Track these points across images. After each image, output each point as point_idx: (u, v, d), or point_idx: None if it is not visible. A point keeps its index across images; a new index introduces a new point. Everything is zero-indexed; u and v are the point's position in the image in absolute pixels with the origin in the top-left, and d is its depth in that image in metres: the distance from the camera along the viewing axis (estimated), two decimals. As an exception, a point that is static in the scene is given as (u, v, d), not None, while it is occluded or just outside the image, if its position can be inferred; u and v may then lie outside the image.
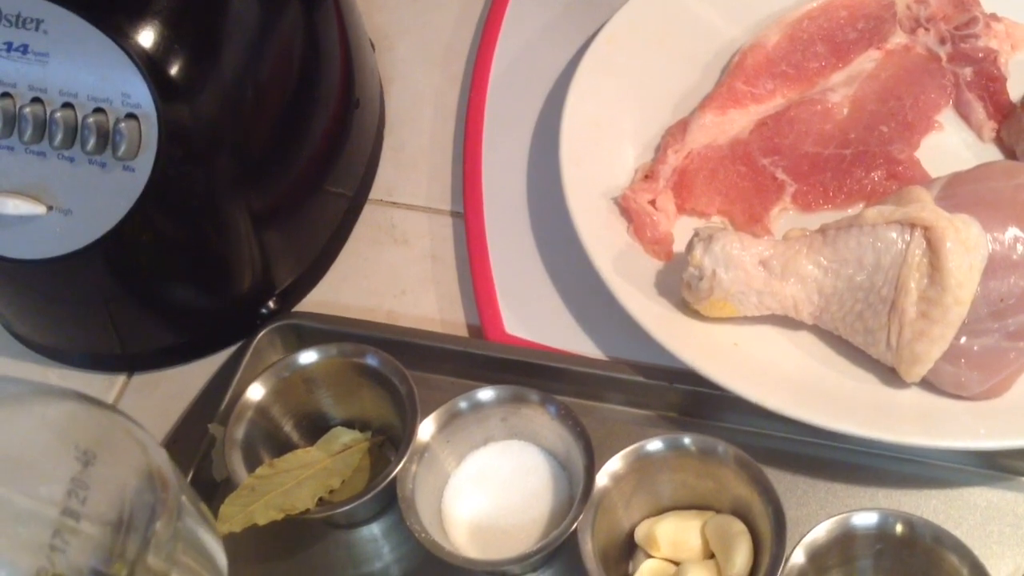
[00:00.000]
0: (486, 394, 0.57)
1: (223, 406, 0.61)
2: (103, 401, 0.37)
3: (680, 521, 0.55)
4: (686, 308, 0.61)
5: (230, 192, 0.62)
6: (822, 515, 0.53)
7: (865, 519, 0.52)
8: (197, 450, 0.60)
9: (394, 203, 0.74)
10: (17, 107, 0.57)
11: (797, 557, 0.51)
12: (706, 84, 0.73)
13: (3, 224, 0.59)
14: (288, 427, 0.60)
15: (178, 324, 0.66)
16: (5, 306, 0.68)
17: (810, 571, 0.51)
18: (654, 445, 0.55)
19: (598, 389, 0.62)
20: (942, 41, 0.72)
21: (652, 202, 0.66)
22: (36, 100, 0.57)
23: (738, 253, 0.58)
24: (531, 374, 0.62)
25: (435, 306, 0.69)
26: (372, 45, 0.78)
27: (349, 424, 0.61)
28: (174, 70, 0.57)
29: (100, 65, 0.56)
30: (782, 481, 0.58)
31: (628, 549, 0.56)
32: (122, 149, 0.57)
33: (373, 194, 0.74)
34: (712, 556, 0.55)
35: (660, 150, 0.69)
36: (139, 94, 0.56)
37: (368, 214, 0.73)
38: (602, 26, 0.74)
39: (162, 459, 0.36)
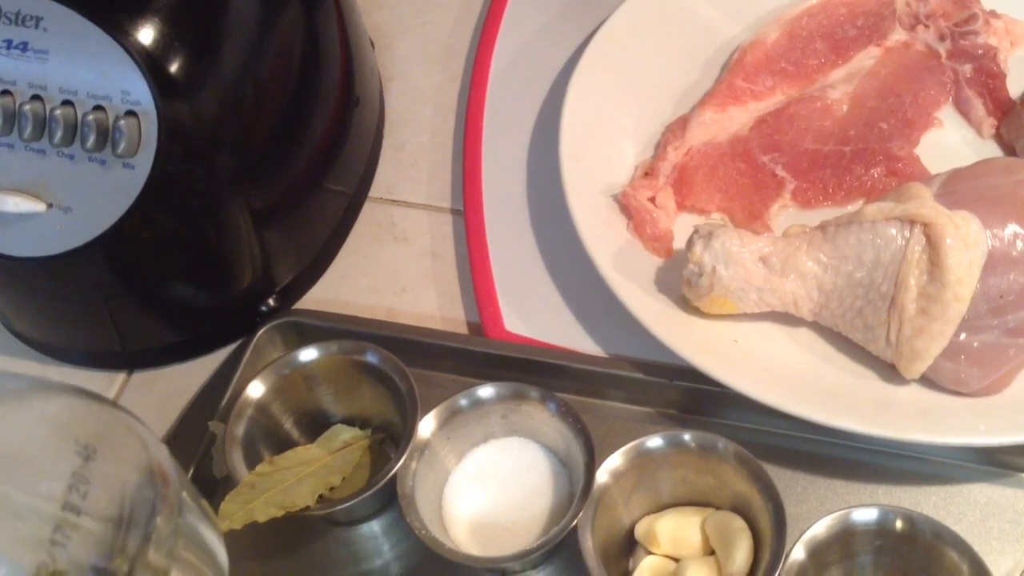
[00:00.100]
0: (486, 391, 0.57)
1: (223, 403, 0.61)
2: (103, 396, 0.37)
3: (680, 518, 0.55)
4: (686, 305, 0.61)
5: (230, 190, 0.62)
6: (822, 511, 0.53)
7: (865, 515, 0.52)
8: (197, 448, 0.60)
9: (394, 201, 0.74)
10: (17, 105, 0.57)
11: (797, 553, 0.51)
12: (706, 81, 0.73)
13: (3, 222, 0.59)
14: (288, 424, 0.60)
15: (178, 322, 0.66)
16: (5, 304, 0.68)
17: (810, 567, 0.51)
18: (654, 442, 0.55)
19: (598, 386, 0.62)
20: (941, 38, 0.72)
21: (652, 199, 0.66)
22: (36, 98, 0.57)
23: (738, 250, 0.58)
24: (531, 371, 0.62)
25: (435, 303, 0.69)
26: (372, 43, 0.78)
27: (349, 421, 0.61)
28: (174, 67, 0.57)
29: (100, 62, 0.56)
30: (782, 477, 0.58)
31: (628, 546, 0.56)
32: (122, 146, 0.57)
33: (373, 192, 0.74)
34: (712, 552, 0.55)
35: (660, 147, 0.69)
36: (139, 91, 0.56)
37: (368, 212, 0.73)
38: (601, 23, 0.74)
39: (163, 454, 0.36)
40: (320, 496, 0.56)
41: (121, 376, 0.67)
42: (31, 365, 0.68)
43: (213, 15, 0.59)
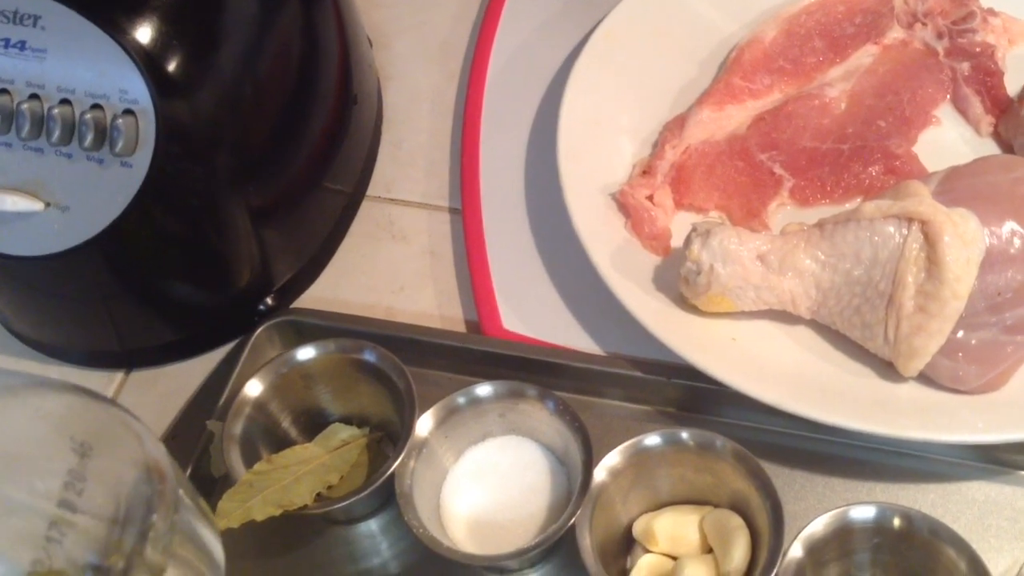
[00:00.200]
0: (484, 390, 0.57)
1: (221, 402, 0.61)
2: (100, 394, 0.37)
3: (678, 516, 0.55)
4: (684, 303, 0.61)
5: (228, 188, 0.62)
6: (820, 509, 0.53)
7: (863, 513, 0.52)
8: (195, 446, 0.60)
9: (392, 199, 0.74)
10: (15, 103, 0.57)
11: (795, 551, 0.51)
12: (704, 80, 0.73)
13: (1, 221, 0.59)
14: (286, 423, 0.60)
15: (176, 320, 0.66)
16: (3, 303, 0.68)
17: (808, 565, 0.51)
18: (652, 440, 0.55)
19: (596, 384, 0.62)
20: (939, 36, 0.72)
21: (650, 197, 0.66)
22: (34, 96, 0.57)
23: (736, 248, 0.58)
24: (529, 370, 0.62)
25: (433, 302, 0.69)
26: (370, 42, 0.78)
27: (347, 420, 0.61)
28: (171, 66, 0.57)
29: (98, 61, 0.56)
30: (780, 475, 0.58)
31: (626, 544, 0.56)
32: (119, 145, 0.57)
33: (371, 190, 0.74)
34: (710, 550, 0.55)
35: (658, 146, 0.69)
36: (136, 90, 0.56)
37: (366, 210, 0.73)
38: (599, 22, 0.74)
39: (159, 452, 0.36)
40: (318, 495, 0.56)
41: (119, 375, 0.67)
42: (30, 364, 0.68)
43: (211, 14, 0.59)
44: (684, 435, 0.55)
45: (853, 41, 0.72)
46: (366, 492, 0.55)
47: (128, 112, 0.57)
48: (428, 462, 0.57)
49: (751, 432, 0.60)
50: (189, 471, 0.59)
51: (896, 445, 0.58)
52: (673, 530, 0.55)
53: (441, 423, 0.57)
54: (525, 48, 0.79)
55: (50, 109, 0.57)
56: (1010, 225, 0.57)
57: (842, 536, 0.52)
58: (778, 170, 0.67)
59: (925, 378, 0.58)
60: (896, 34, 0.72)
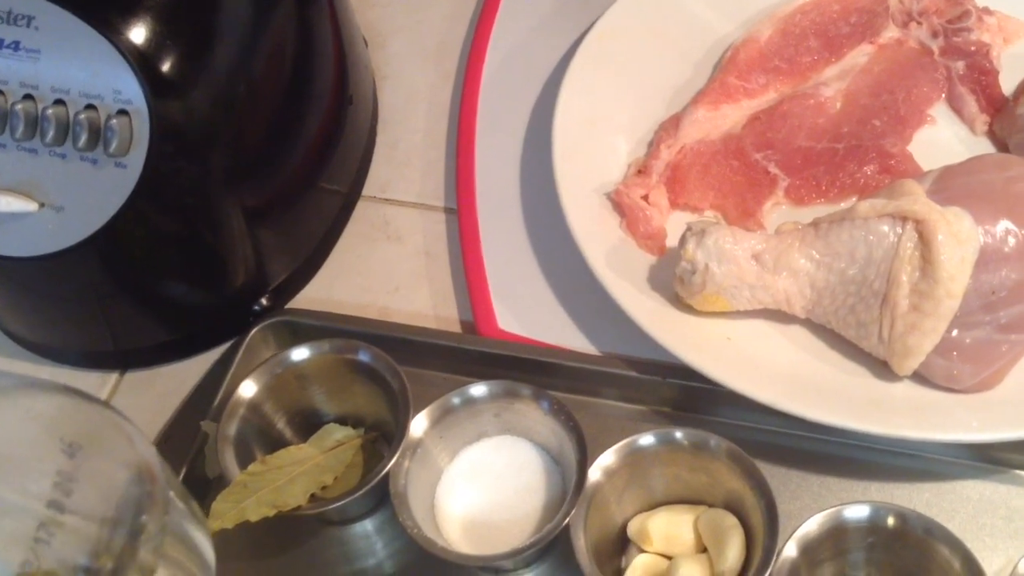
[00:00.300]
0: (479, 390, 0.57)
1: (216, 403, 0.61)
2: (90, 395, 0.37)
3: (673, 515, 0.55)
4: (679, 303, 0.61)
5: (222, 189, 0.62)
6: (815, 508, 0.53)
7: (857, 512, 0.52)
8: (190, 447, 0.60)
9: (387, 200, 0.74)
10: (9, 104, 0.57)
11: (789, 550, 0.51)
12: (699, 79, 0.73)
13: (-5, 221, 0.59)
14: (281, 424, 0.60)
15: (171, 321, 0.66)
16: (-2, 304, 0.68)
17: (802, 564, 0.51)
18: (646, 439, 0.55)
19: (591, 384, 0.62)
20: (935, 35, 0.72)
21: (645, 197, 0.66)
22: (28, 97, 0.57)
23: (731, 247, 0.58)
24: (524, 369, 0.62)
25: (428, 302, 0.69)
26: (365, 42, 0.78)
27: (342, 420, 0.61)
28: (165, 66, 0.57)
29: (91, 61, 0.56)
30: (775, 475, 0.58)
31: (621, 544, 0.56)
32: (113, 145, 0.57)
33: (366, 191, 0.74)
34: (705, 550, 0.55)
35: (653, 145, 0.69)
36: (130, 90, 0.56)
37: (361, 211, 0.73)
38: (595, 22, 0.74)
39: (150, 453, 0.36)
40: (312, 495, 0.56)
41: (114, 376, 0.67)
42: (24, 365, 0.68)
43: (205, 14, 0.59)
44: (678, 434, 0.55)
45: (848, 40, 0.72)
46: (360, 492, 0.55)
47: (122, 112, 0.57)
48: (423, 462, 0.57)
49: (746, 431, 0.60)
50: (184, 472, 0.59)
51: (891, 444, 0.58)
52: (668, 530, 0.55)
53: (436, 423, 0.57)
54: (521, 48, 0.79)
55: (44, 109, 0.57)
56: (1004, 224, 0.57)
57: (836, 535, 0.52)
58: (773, 169, 0.67)
59: (920, 377, 0.58)
60: (891, 33, 0.72)
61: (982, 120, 0.69)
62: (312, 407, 0.61)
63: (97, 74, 0.56)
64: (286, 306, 0.68)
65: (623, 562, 0.56)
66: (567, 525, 0.53)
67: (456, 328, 0.67)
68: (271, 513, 0.54)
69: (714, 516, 0.55)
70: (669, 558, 0.55)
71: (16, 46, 0.57)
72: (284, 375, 0.59)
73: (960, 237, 0.55)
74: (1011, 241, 0.57)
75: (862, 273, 0.57)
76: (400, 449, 0.55)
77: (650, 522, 0.55)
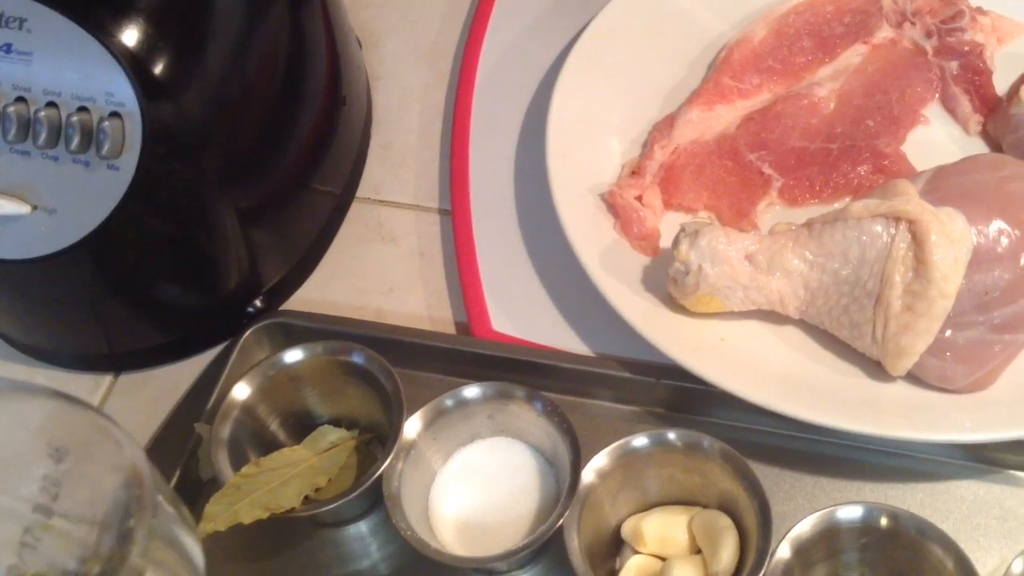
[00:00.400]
0: (472, 391, 0.57)
1: (210, 405, 0.61)
2: (79, 399, 0.37)
3: (667, 516, 0.55)
4: (673, 303, 0.61)
5: (215, 191, 0.62)
6: (809, 509, 0.53)
7: (849, 513, 0.52)
8: (184, 449, 0.60)
9: (381, 201, 0.74)
10: (1, 106, 0.57)
11: (783, 551, 0.51)
12: (693, 79, 0.73)
13: (-12, 224, 0.59)
14: (274, 426, 0.60)
15: (165, 323, 0.66)
16: (-9, 307, 0.67)
17: (796, 565, 0.51)
18: (640, 441, 0.55)
19: (585, 385, 0.62)
20: (928, 35, 0.72)
21: (639, 198, 0.66)
22: (20, 99, 0.57)
23: (724, 248, 0.58)
24: (518, 371, 0.62)
25: (423, 303, 0.69)
26: (359, 42, 0.78)
27: (336, 422, 0.61)
28: (158, 68, 0.57)
29: (83, 64, 0.56)
30: (769, 475, 0.58)
31: (615, 545, 0.56)
32: (106, 148, 0.57)
33: (360, 192, 0.74)
34: (699, 551, 0.55)
35: (647, 146, 0.69)
36: (123, 93, 0.56)
37: (355, 212, 0.73)
38: (589, 22, 0.74)
39: (138, 457, 0.36)
40: (306, 497, 0.56)
41: (108, 378, 0.67)
42: (18, 368, 0.68)
43: (197, 15, 0.59)
44: (671, 436, 0.55)
45: (842, 40, 0.72)
46: (354, 495, 0.55)
47: (114, 115, 0.56)
48: (416, 464, 0.56)
49: (741, 432, 0.60)
50: (177, 474, 0.59)
51: (884, 444, 0.58)
52: (661, 531, 0.55)
53: (429, 425, 0.57)
54: (515, 48, 0.79)
55: (36, 112, 0.57)
56: (997, 224, 0.57)
57: (829, 536, 0.52)
58: (767, 170, 0.67)
59: (913, 377, 0.58)
60: (885, 33, 0.72)
61: (976, 120, 0.69)
62: (306, 409, 0.61)
63: (89, 76, 0.56)
64: (280, 308, 0.68)
65: (617, 563, 0.56)
66: (561, 527, 0.53)
67: (450, 329, 0.67)
68: (264, 515, 0.54)
69: (708, 517, 0.55)
70: (663, 559, 0.55)
71: (8, 48, 0.57)
72: (278, 377, 0.59)
73: (953, 237, 0.55)
74: (1004, 241, 0.57)
75: (855, 273, 0.57)
76: (394, 451, 0.55)
77: (644, 523, 0.55)
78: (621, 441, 0.55)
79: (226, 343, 0.65)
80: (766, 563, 0.51)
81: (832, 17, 0.73)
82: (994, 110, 0.69)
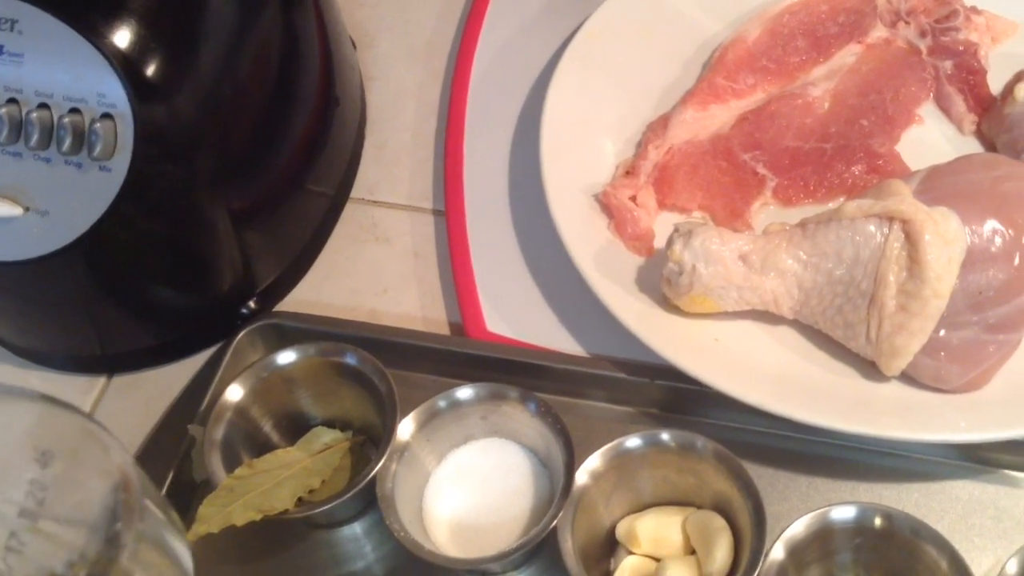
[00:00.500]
0: (465, 392, 0.57)
1: (203, 406, 0.61)
2: (67, 403, 0.37)
3: (661, 517, 0.55)
4: (667, 304, 0.61)
5: (208, 192, 0.62)
6: (803, 509, 0.53)
7: (843, 513, 0.52)
8: (177, 451, 0.60)
9: (376, 201, 0.74)
10: (-7, 108, 0.57)
11: (777, 552, 0.51)
12: (687, 79, 0.73)
13: (-20, 226, 0.58)
14: (268, 427, 0.60)
15: (158, 325, 0.66)
16: (-16, 308, 0.67)
17: (790, 566, 0.51)
18: (633, 442, 0.55)
19: (579, 386, 0.62)
20: (922, 34, 0.72)
21: (633, 198, 0.66)
22: (11, 101, 0.57)
23: (717, 248, 0.58)
24: (512, 371, 0.62)
25: (417, 304, 0.68)
26: (353, 42, 0.78)
27: (330, 424, 0.61)
28: (150, 70, 0.57)
29: (75, 65, 0.56)
30: (763, 476, 0.58)
31: (609, 546, 0.56)
32: (98, 149, 0.56)
33: (355, 192, 0.74)
34: (693, 552, 0.55)
35: (641, 146, 0.69)
36: (114, 94, 0.56)
37: (349, 212, 0.73)
38: (583, 22, 0.74)
39: (126, 461, 0.36)
40: (300, 499, 0.56)
41: (101, 380, 0.67)
42: (10, 370, 0.68)
43: (190, 16, 0.59)
44: (665, 436, 0.55)
45: (836, 40, 0.72)
46: (347, 496, 0.55)
47: (106, 116, 0.56)
48: (410, 465, 0.56)
49: (735, 433, 0.60)
50: (171, 476, 0.59)
51: (879, 445, 0.58)
52: (656, 532, 0.55)
53: (422, 426, 0.57)
54: (509, 48, 0.78)
55: (28, 113, 0.57)
56: (991, 224, 0.57)
57: (823, 537, 0.52)
58: (761, 170, 0.67)
59: (907, 377, 0.58)
60: (879, 33, 0.72)
61: (970, 120, 0.69)
62: (299, 410, 0.61)
63: (81, 78, 0.56)
64: (274, 309, 0.68)
65: (611, 564, 0.56)
66: (554, 528, 0.52)
67: (444, 330, 0.67)
68: (257, 517, 0.54)
69: (702, 518, 0.55)
70: (657, 560, 0.55)
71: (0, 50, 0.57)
72: (271, 379, 0.59)
73: (947, 237, 0.55)
74: (998, 241, 0.56)
75: (849, 273, 0.57)
76: (387, 452, 0.55)
77: (638, 524, 0.55)
78: (615, 442, 0.55)
79: (219, 344, 0.65)
80: (760, 564, 0.51)
81: (826, 17, 0.73)
82: (988, 109, 0.69)
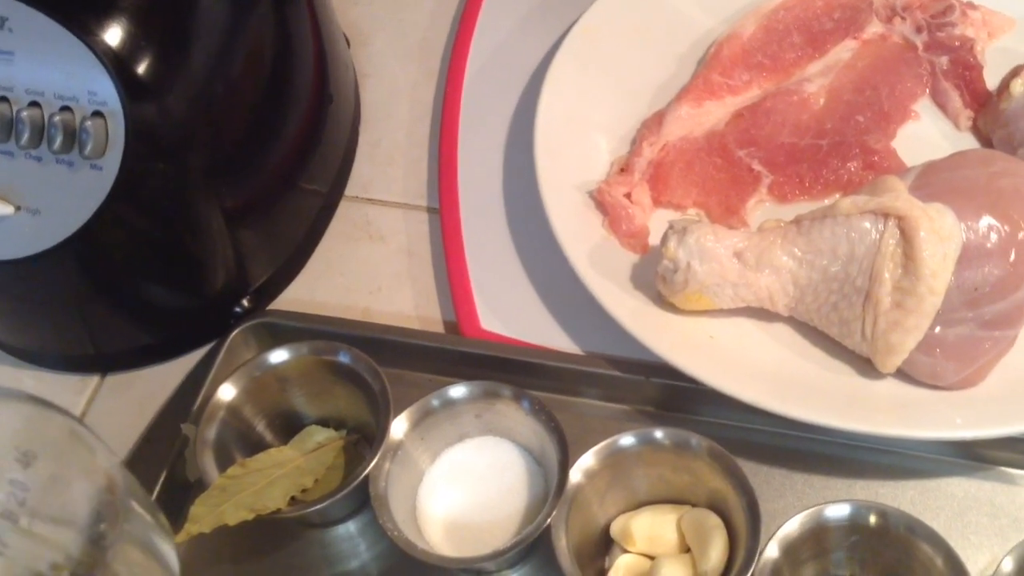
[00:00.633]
0: (459, 391, 0.57)
1: (196, 405, 0.60)
2: (54, 404, 0.37)
3: (656, 515, 0.55)
4: (662, 301, 0.61)
5: (201, 190, 0.61)
6: (799, 507, 0.52)
7: (838, 511, 0.51)
8: (171, 450, 0.59)
9: (370, 199, 0.73)
10: (-16, 107, 0.57)
11: (772, 550, 0.51)
12: (682, 76, 0.73)
13: (-29, 225, 0.58)
14: (261, 426, 0.60)
15: (151, 323, 0.66)
16: (-23, 308, 0.67)
17: (784, 564, 0.51)
18: (627, 440, 0.54)
19: (574, 384, 0.62)
20: (918, 30, 0.72)
21: (628, 195, 0.66)
22: (2, 99, 0.57)
23: (712, 245, 0.58)
24: (507, 370, 0.61)
25: (411, 302, 0.68)
26: (347, 40, 0.77)
27: (323, 422, 0.61)
28: (141, 68, 0.56)
29: (66, 63, 0.56)
30: (759, 474, 0.58)
31: (604, 544, 0.56)
32: (89, 148, 0.56)
33: (348, 190, 0.74)
34: (688, 550, 0.54)
35: (636, 143, 0.69)
36: (105, 92, 0.56)
37: (343, 210, 0.73)
38: (578, 19, 0.73)
39: (112, 463, 0.36)
40: (293, 498, 0.56)
41: (95, 379, 0.67)
42: (3, 369, 0.67)
43: (181, 14, 0.59)
44: (659, 434, 0.54)
45: (832, 36, 0.72)
46: (341, 495, 0.54)
47: (97, 114, 0.56)
48: (404, 464, 0.56)
49: (730, 430, 0.59)
50: (164, 475, 0.58)
51: (875, 442, 0.58)
52: (651, 530, 0.55)
53: (416, 425, 0.57)
54: (503, 45, 0.78)
55: (19, 112, 0.56)
56: (987, 220, 0.56)
57: (818, 535, 0.51)
58: (756, 166, 0.67)
59: (903, 374, 0.58)
60: (875, 28, 0.72)
61: (966, 115, 0.69)
62: (293, 409, 0.61)
63: (72, 76, 0.56)
64: (268, 307, 0.67)
65: (606, 563, 0.55)
66: (549, 526, 0.52)
67: (439, 328, 0.67)
68: (250, 516, 0.54)
69: (697, 516, 0.54)
70: (652, 558, 0.55)
71: (-10, 48, 0.57)
72: (264, 377, 0.59)
73: (942, 234, 0.55)
74: (994, 237, 0.56)
75: (844, 270, 0.57)
76: (381, 451, 0.55)
77: (633, 522, 0.55)
78: (609, 440, 0.54)
79: (213, 343, 0.65)
80: (755, 562, 0.50)
81: (822, 12, 0.73)
82: (984, 105, 0.68)
